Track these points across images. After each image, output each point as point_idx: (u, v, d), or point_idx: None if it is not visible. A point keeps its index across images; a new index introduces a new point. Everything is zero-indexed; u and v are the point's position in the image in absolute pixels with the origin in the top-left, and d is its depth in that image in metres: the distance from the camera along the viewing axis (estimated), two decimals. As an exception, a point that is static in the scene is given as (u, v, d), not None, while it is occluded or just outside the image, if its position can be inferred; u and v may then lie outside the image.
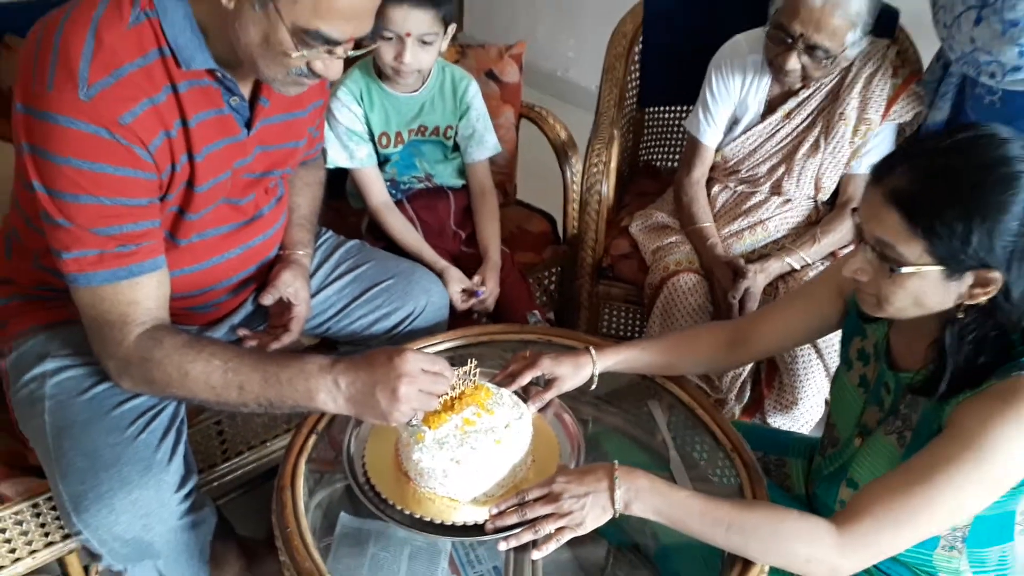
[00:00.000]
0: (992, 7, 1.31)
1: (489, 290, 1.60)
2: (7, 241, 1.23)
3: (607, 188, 1.72)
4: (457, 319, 1.53)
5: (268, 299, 1.28)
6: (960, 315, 0.95)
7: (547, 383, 1.21)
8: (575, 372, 1.21)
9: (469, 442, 1.06)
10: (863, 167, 1.61)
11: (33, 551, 1.28)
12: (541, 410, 1.22)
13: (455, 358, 1.23)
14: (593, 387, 1.23)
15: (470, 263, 1.64)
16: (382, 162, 1.63)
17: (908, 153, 0.95)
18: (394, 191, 1.66)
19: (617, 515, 0.99)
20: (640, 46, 1.93)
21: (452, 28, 1.50)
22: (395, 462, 1.12)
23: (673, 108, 2.05)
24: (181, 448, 1.14)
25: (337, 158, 1.56)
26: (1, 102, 1.54)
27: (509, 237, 1.76)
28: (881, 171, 0.93)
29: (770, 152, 1.66)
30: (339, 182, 1.69)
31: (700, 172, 1.73)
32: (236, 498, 1.58)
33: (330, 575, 0.98)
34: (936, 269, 0.90)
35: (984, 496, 0.93)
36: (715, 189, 1.75)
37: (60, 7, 1.03)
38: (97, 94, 0.96)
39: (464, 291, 1.55)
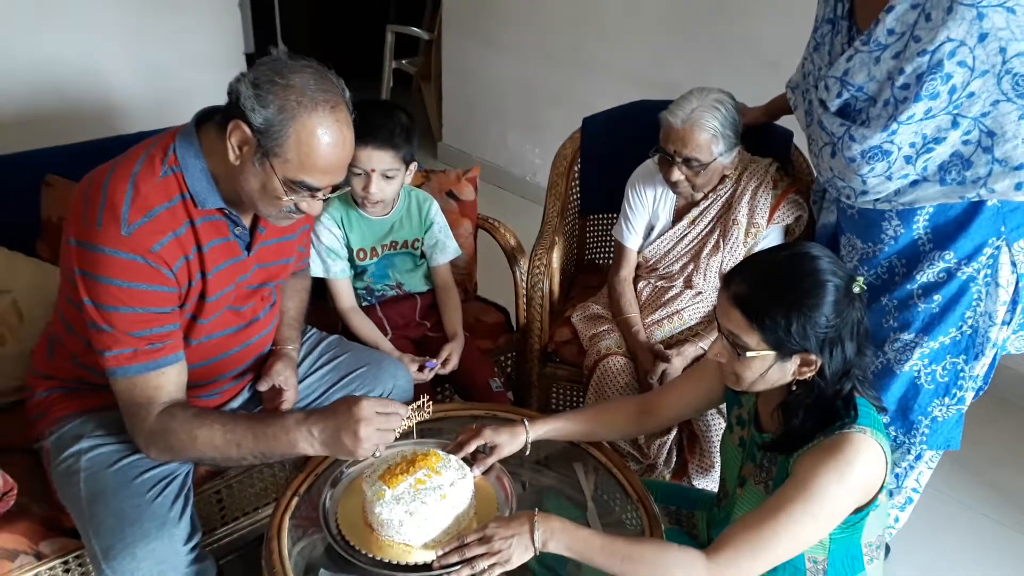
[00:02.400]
0: (838, 145, 1.62)
1: (452, 362, 1.88)
2: (49, 344, 1.51)
3: (548, 285, 2.03)
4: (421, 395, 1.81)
5: (264, 386, 1.56)
6: (794, 388, 1.24)
7: (489, 450, 1.46)
8: (511, 440, 1.45)
9: (420, 497, 1.30)
10: (758, 264, 1.93)
11: (61, 604, 1.52)
12: (485, 473, 1.46)
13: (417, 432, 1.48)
14: (527, 453, 1.48)
15: (436, 344, 1.93)
16: (360, 272, 1.94)
17: (747, 266, 1.25)
18: (369, 297, 1.96)
19: (538, 552, 1.24)
20: (579, 165, 2.28)
21: (414, 166, 1.84)
22: (362, 516, 1.37)
23: (610, 215, 2.39)
24: (189, 510, 1.39)
25: (316, 270, 1.87)
26: (45, 231, 1.87)
27: (469, 327, 2.05)
28: (728, 278, 1.24)
29: (681, 253, 1.99)
30: (323, 286, 1.99)
31: (627, 271, 2.05)
32: (233, 560, 1.79)
33: None
34: (771, 353, 1.20)
35: (817, 528, 1.18)
36: (640, 285, 2.06)
37: (104, 164, 1.34)
38: (136, 230, 1.26)
39: (419, 367, 1.83)
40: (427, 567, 1.27)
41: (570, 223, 2.31)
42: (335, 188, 1.38)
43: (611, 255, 2.42)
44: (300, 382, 1.66)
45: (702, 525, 1.57)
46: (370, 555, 1.29)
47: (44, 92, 2.75)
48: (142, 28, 2.87)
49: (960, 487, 2.31)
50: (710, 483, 1.93)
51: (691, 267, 1.98)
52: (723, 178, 1.92)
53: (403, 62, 4.65)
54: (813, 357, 1.19)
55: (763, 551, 1.18)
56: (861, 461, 1.17)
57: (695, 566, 1.19)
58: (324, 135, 1.26)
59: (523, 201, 3.88)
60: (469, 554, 1.24)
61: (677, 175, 1.84)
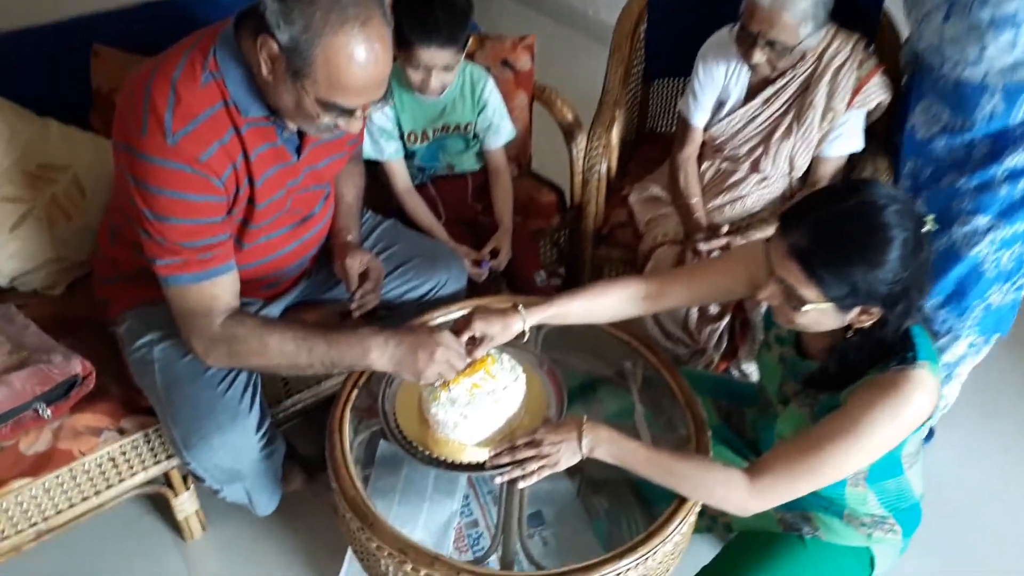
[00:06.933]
0: (960, 5, 1.47)
1: (503, 252, 1.88)
2: (111, 231, 1.53)
3: (606, 166, 1.96)
4: (476, 286, 1.82)
5: (353, 287, 1.56)
6: (850, 334, 1.21)
7: (480, 340, 1.37)
8: (504, 330, 1.37)
9: (475, 402, 1.34)
10: (832, 150, 1.81)
11: (146, 467, 1.65)
12: (543, 368, 1.48)
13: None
14: (525, 339, 1.42)
15: (486, 231, 1.93)
16: (410, 155, 1.89)
17: (806, 214, 1.15)
18: (421, 175, 1.93)
19: (584, 458, 1.29)
20: (645, 25, 2.11)
21: (468, 44, 1.73)
22: (418, 411, 1.43)
23: (676, 81, 2.24)
24: (257, 399, 1.47)
25: (369, 151, 1.83)
26: (97, 102, 1.85)
27: (522, 206, 2.02)
28: (786, 226, 1.16)
29: (750, 134, 1.87)
30: (374, 165, 1.94)
31: (691, 149, 1.95)
32: (298, 423, 1.90)
33: (371, 497, 1.31)
34: (829, 306, 1.15)
35: (862, 461, 1.20)
36: (704, 165, 1.96)
37: (145, 65, 1.28)
38: (181, 139, 1.23)
39: (473, 261, 1.83)
40: (480, 466, 1.34)
41: (632, 88, 2.18)
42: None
43: (675, 125, 2.30)
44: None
45: (750, 423, 1.60)
46: (426, 451, 1.36)
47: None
48: None
49: (1013, 370, 2.28)
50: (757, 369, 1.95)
51: (760, 150, 1.87)
52: (803, 55, 1.76)
53: None
54: (876, 309, 1.15)
55: (804, 479, 1.21)
56: (916, 400, 1.15)
57: (736, 486, 1.23)
58: (354, 54, 1.17)
59: (582, 40, 3.65)
60: (519, 456, 1.30)
61: (758, 57, 1.69)
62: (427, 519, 1.56)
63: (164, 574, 1.77)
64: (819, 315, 1.17)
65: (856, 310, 1.16)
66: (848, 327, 1.20)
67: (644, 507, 1.57)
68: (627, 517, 1.61)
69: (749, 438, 1.59)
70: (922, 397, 1.16)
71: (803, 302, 1.15)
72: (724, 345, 1.96)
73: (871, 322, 1.17)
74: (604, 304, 1.44)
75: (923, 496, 1.42)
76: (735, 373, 1.99)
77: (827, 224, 1.13)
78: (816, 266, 1.12)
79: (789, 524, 1.43)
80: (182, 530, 1.81)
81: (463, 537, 1.64)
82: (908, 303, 1.15)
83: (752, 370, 1.96)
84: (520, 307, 1.40)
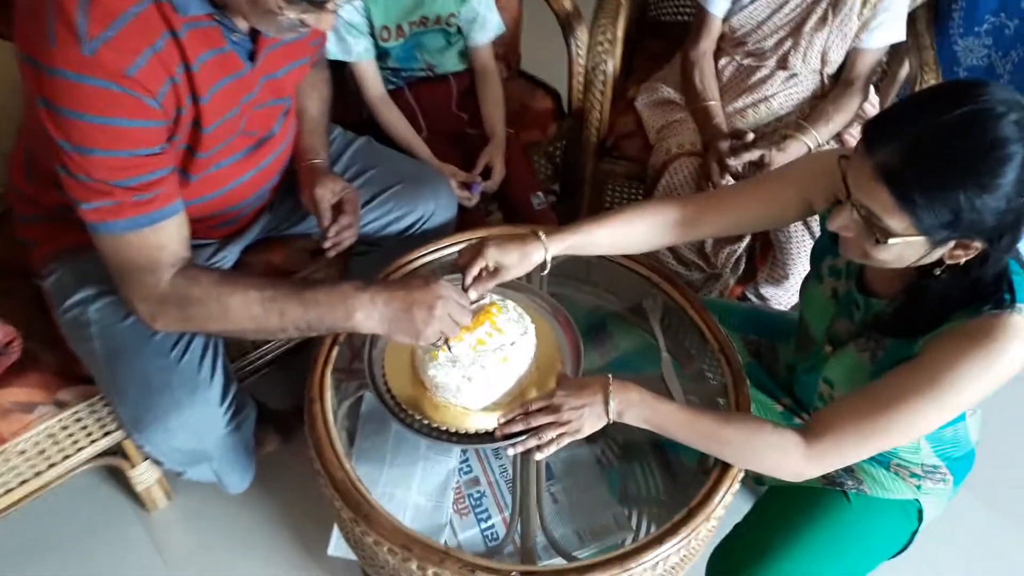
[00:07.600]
0: None
1: (496, 170, 1.63)
2: (26, 160, 1.24)
3: (612, 65, 1.68)
4: (466, 212, 1.58)
5: (326, 223, 1.33)
6: (938, 271, 1.00)
7: (492, 271, 1.19)
8: (522, 260, 1.19)
9: (479, 361, 1.15)
10: (873, 41, 1.57)
11: (94, 440, 1.42)
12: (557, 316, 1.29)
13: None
14: (545, 272, 1.23)
15: (474, 144, 1.66)
16: (382, 55, 1.60)
17: (900, 126, 0.92)
18: (395, 79, 1.65)
19: (610, 423, 1.11)
20: None
21: None
22: (411, 371, 1.22)
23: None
24: (220, 362, 1.24)
25: (334, 51, 1.55)
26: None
27: (513, 115, 1.76)
28: (873, 142, 0.93)
29: (778, 25, 1.62)
30: (341, 70, 1.65)
31: (707, 43, 1.69)
32: (267, 374, 1.68)
33: (357, 461, 1.11)
34: (919, 239, 0.93)
35: (941, 420, 1.02)
36: (722, 62, 1.71)
37: None
38: (100, 48, 0.95)
39: (461, 183, 1.58)
40: (488, 435, 1.15)
41: (634, -29, 1.88)
42: None
43: (682, 11, 2.02)
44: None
45: (784, 362, 1.42)
46: (425, 421, 1.16)
47: None
48: None
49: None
50: (779, 293, 1.77)
51: (788, 43, 1.62)
52: (842, -74, 1.49)
53: None
54: (977, 243, 0.94)
55: (872, 440, 1.04)
56: (1013, 352, 0.96)
57: (791, 451, 1.06)
58: None
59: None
60: (535, 423, 1.12)
61: None
62: (421, 481, 1.38)
63: (127, 548, 1.58)
64: (905, 248, 0.96)
65: (951, 244, 0.95)
66: (935, 263, 1.00)
67: (659, 455, 1.41)
68: (642, 466, 1.45)
69: (781, 379, 1.41)
70: (1020, 348, 0.97)
71: (888, 234, 0.94)
72: (742, 268, 1.76)
73: (967, 258, 0.97)
74: (634, 232, 1.24)
75: (979, 442, 1.27)
76: (752, 298, 1.81)
77: (926, 138, 0.89)
78: (910, 190, 0.90)
79: (830, 478, 1.27)
80: (143, 501, 1.61)
81: (463, 498, 1.46)
82: (1015, 235, 0.94)
83: (771, 294, 1.78)
84: (541, 234, 1.19)
